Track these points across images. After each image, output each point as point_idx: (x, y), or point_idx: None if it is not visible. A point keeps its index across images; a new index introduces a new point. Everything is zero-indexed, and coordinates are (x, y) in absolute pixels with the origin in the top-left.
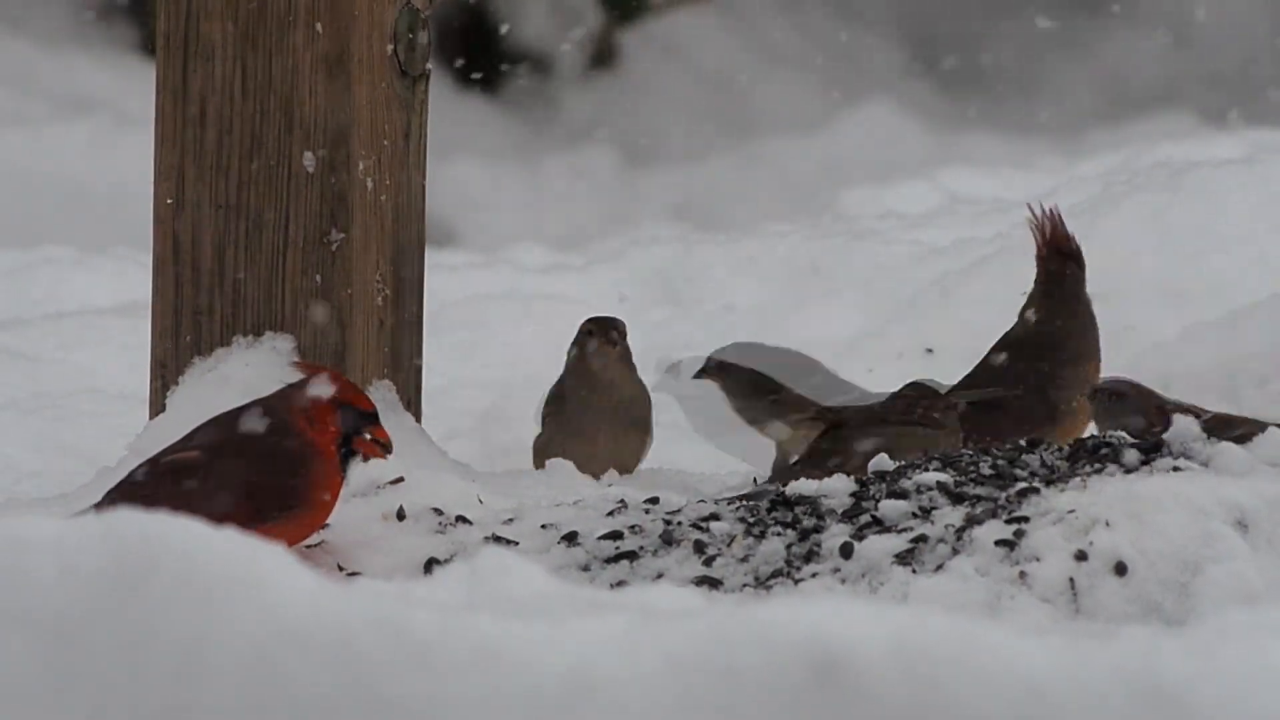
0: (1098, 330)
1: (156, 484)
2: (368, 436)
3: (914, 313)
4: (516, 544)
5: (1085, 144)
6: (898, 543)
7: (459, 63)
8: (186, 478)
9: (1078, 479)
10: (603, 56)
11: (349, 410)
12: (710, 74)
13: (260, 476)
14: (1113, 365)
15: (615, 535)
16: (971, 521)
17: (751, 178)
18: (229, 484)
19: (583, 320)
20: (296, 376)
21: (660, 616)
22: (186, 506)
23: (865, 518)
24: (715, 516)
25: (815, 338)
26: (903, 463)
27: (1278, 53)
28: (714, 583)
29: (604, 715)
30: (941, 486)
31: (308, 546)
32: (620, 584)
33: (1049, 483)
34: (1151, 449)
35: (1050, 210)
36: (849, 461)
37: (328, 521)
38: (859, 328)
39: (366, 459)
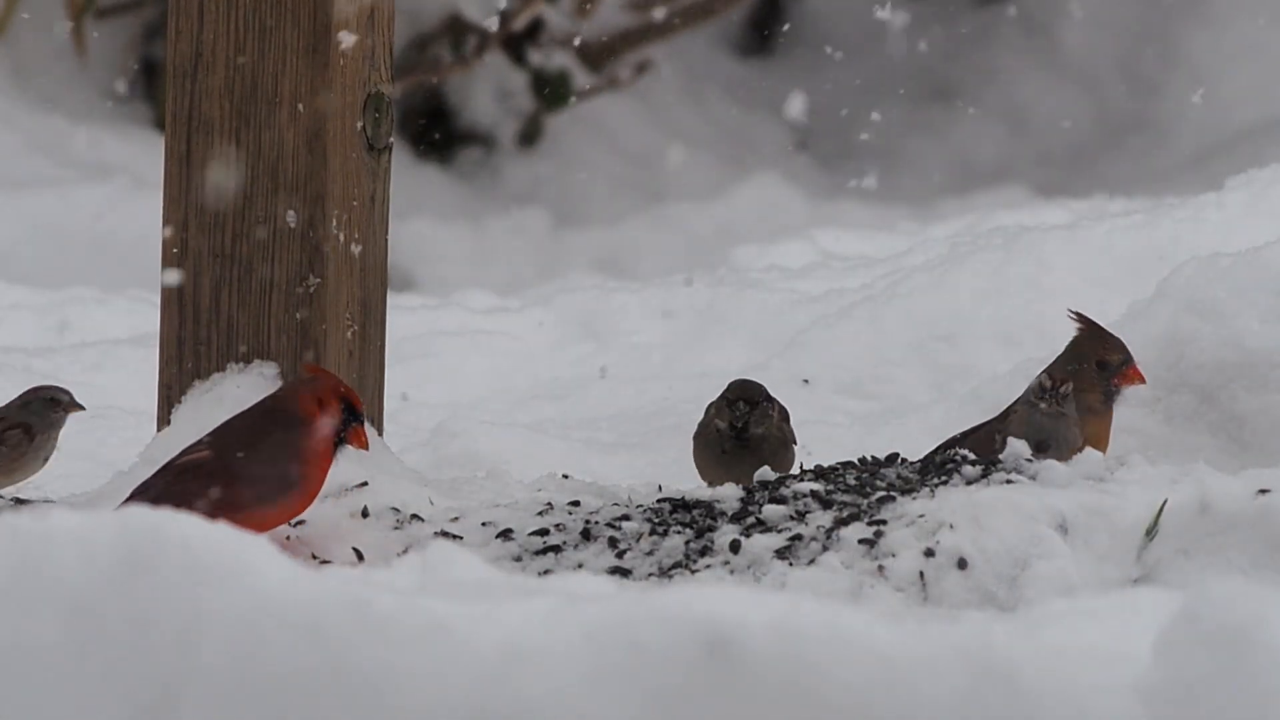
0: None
1: (175, 479)
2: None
3: (793, 349)
4: (461, 538)
5: (936, 211)
6: (778, 541)
7: (417, 138)
8: (199, 473)
9: (927, 489)
10: (534, 136)
11: (349, 405)
12: (627, 150)
13: (260, 469)
14: (957, 397)
15: (543, 532)
16: (839, 523)
17: (659, 236)
18: (234, 476)
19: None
20: (303, 376)
21: (579, 599)
22: (199, 497)
23: (751, 519)
24: (626, 517)
25: (711, 369)
26: (782, 475)
27: (1096, 139)
28: (624, 572)
29: (533, 680)
30: (814, 494)
31: (286, 539)
32: (547, 572)
33: (903, 492)
34: (988, 465)
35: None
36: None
37: (303, 518)
38: (746, 361)
39: (351, 445)
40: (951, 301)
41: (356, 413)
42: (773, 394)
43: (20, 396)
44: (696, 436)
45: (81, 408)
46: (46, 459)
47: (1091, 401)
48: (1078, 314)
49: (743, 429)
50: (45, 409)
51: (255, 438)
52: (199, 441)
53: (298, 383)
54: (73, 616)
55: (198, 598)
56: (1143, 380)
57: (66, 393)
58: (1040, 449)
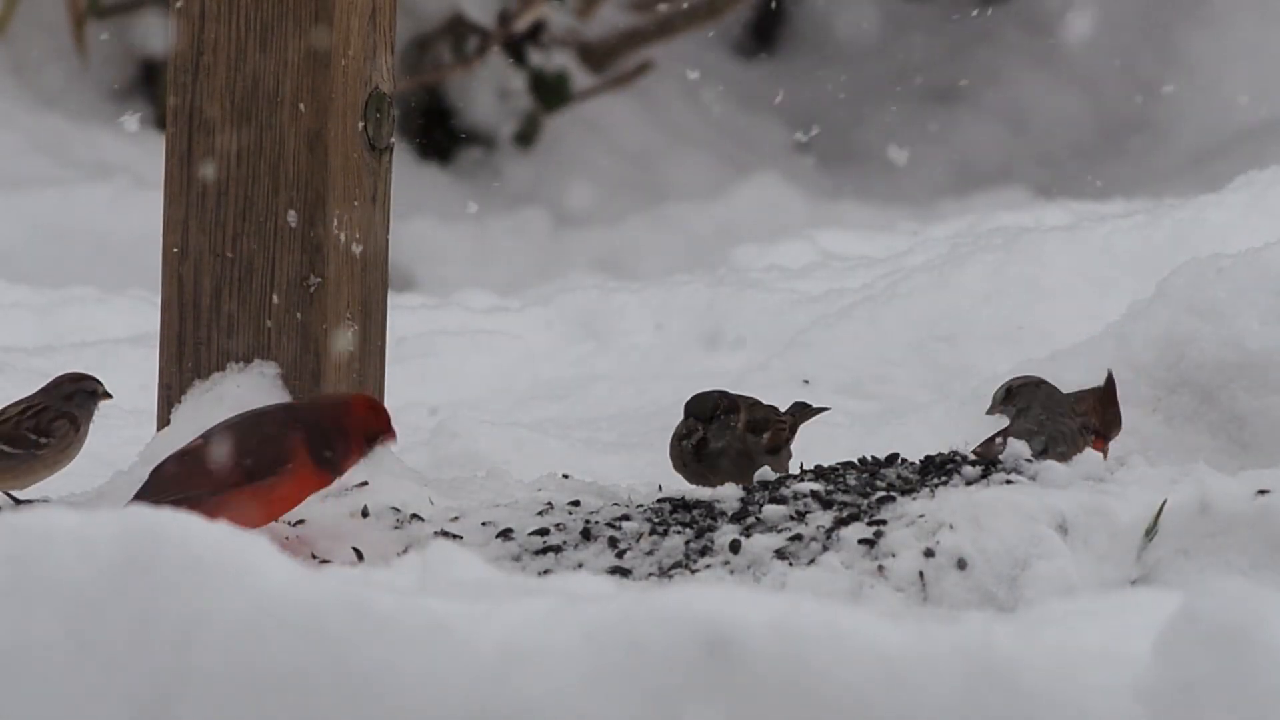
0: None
1: (173, 468)
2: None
3: (793, 349)
4: (460, 538)
5: (937, 212)
6: (778, 540)
7: (418, 138)
8: (192, 458)
9: (927, 489)
10: (531, 136)
11: (373, 435)
12: (626, 150)
13: (249, 441)
14: (957, 397)
15: (543, 532)
16: (839, 523)
17: (659, 237)
18: (223, 451)
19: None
20: (331, 396)
21: (579, 599)
22: (192, 477)
23: (751, 519)
24: (626, 517)
25: (710, 370)
26: (782, 475)
27: (1097, 140)
28: (624, 572)
29: (533, 680)
30: (814, 494)
31: (286, 538)
32: (546, 572)
33: (903, 492)
34: (988, 465)
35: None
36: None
37: (303, 518)
38: (747, 361)
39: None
40: (951, 302)
41: (382, 432)
42: (743, 400)
43: (57, 387)
44: (670, 450)
45: (110, 396)
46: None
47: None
48: (1110, 376)
49: (700, 446)
50: (87, 400)
51: (252, 425)
52: (200, 435)
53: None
54: (72, 616)
55: (197, 597)
56: (1099, 454)
57: (99, 382)
58: (1043, 453)
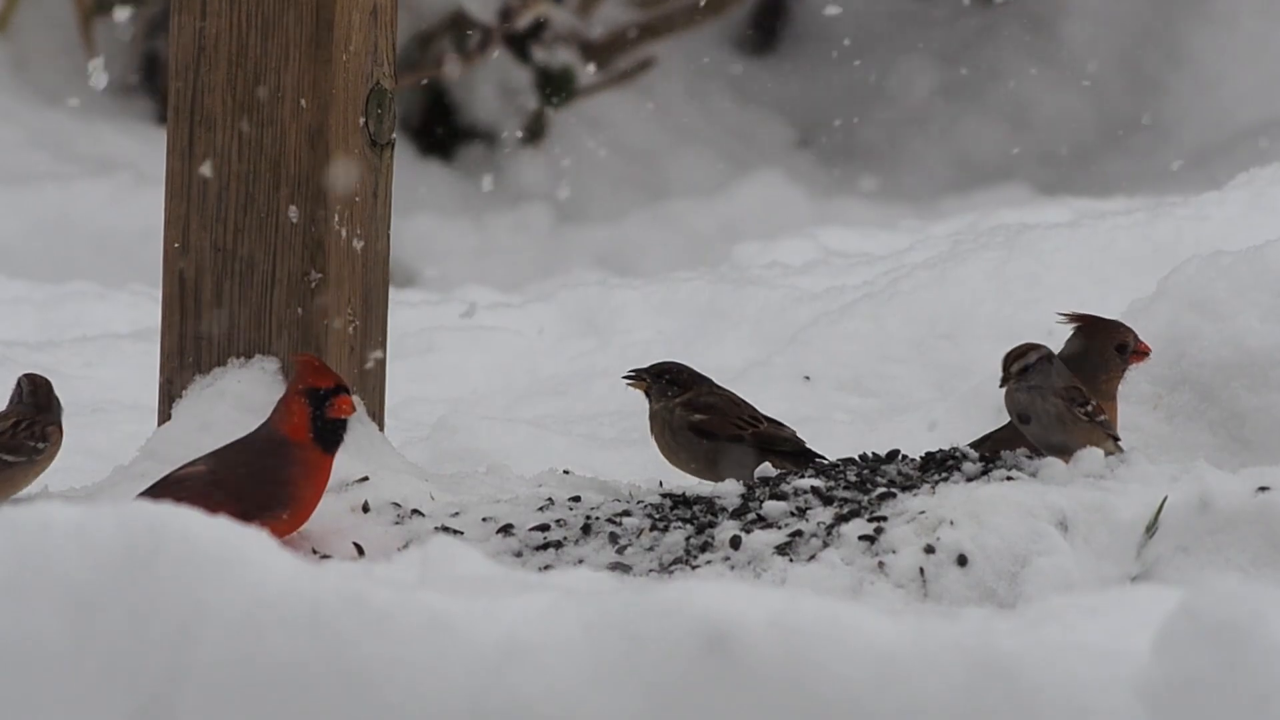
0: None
1: (167, 491)
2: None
3: (794, 346)
4: (461, 533)
5: (939, 209)
6: (778, 536)
7: (420, 134)
8: (190, 487)
9: (927, 485)
10: (539, 132)
11: (314, 393)
12: (629, 147)
13: (249, 485)
14: (957, 393)
15: (543, 527)
16: (839, 520)
17: (661, 233)
18: (223, 491)
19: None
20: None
21: (579, 595)
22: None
23: (751, 515)
24: (627, 513)
25: (712, 366)
26: (782, 471)
27: (1098, 137)
28: (625, 568)
29: (532, 675)
30: (815, 491)
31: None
32: (547, 568)
33: (904, 489)
34: (989, 462)
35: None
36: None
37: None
38: (749, 358)
39: (341, 419)
40: (953, 299)
41: (329, 389)
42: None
43: (33, 392)
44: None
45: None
46: None
47: (1111, 389)
48: (1069, 314)
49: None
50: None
51: (250, 457)
52: (196, 459)
53: (278, 410)
54: (73, 610)
55: (197, 591)
56: (1149, 350)
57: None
58: (1023, 420)
